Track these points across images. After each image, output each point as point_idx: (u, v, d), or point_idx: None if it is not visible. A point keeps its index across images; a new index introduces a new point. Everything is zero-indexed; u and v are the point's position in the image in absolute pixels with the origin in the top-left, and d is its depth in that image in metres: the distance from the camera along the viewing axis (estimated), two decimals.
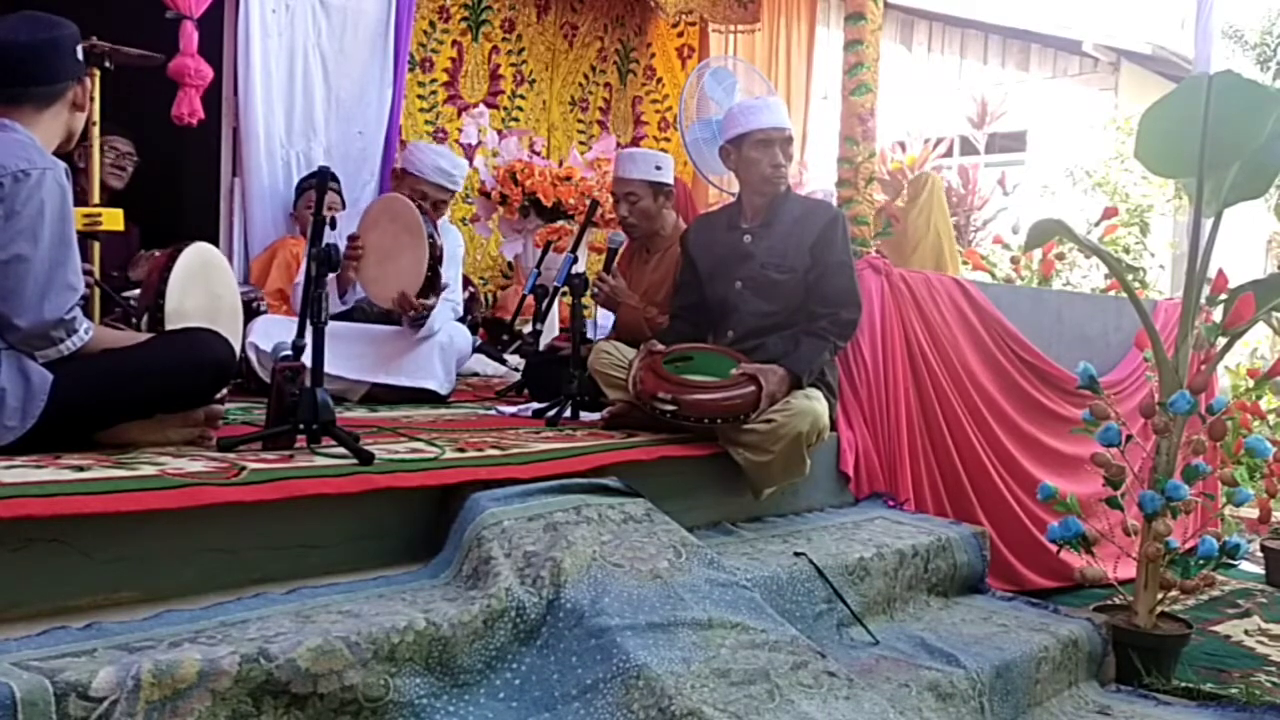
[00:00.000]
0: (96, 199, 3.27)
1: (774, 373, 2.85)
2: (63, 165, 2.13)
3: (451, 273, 3.84)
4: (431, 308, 3.46)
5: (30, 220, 2.02)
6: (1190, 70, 5.09)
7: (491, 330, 5.14)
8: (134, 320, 2.39)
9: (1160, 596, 3.02)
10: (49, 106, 2.17)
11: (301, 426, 2.32)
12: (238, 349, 2.46)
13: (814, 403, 2.85)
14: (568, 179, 5.10)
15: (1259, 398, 4.66)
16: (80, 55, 2.21)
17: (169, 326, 2.30)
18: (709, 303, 3.24)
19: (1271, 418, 4.73)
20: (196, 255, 2.44)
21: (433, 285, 3.35)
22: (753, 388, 2.81)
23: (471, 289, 5.30)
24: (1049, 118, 10.03)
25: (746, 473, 2.88)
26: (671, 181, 3.76)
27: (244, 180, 4.40)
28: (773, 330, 3.07)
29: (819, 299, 3.05)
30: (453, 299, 3.81)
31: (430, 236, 3.28)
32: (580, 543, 2.10)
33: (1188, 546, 3.19)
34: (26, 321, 2.04)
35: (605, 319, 4.00)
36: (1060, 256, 5.83)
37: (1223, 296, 3.15)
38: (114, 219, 2.98)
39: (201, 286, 2.36)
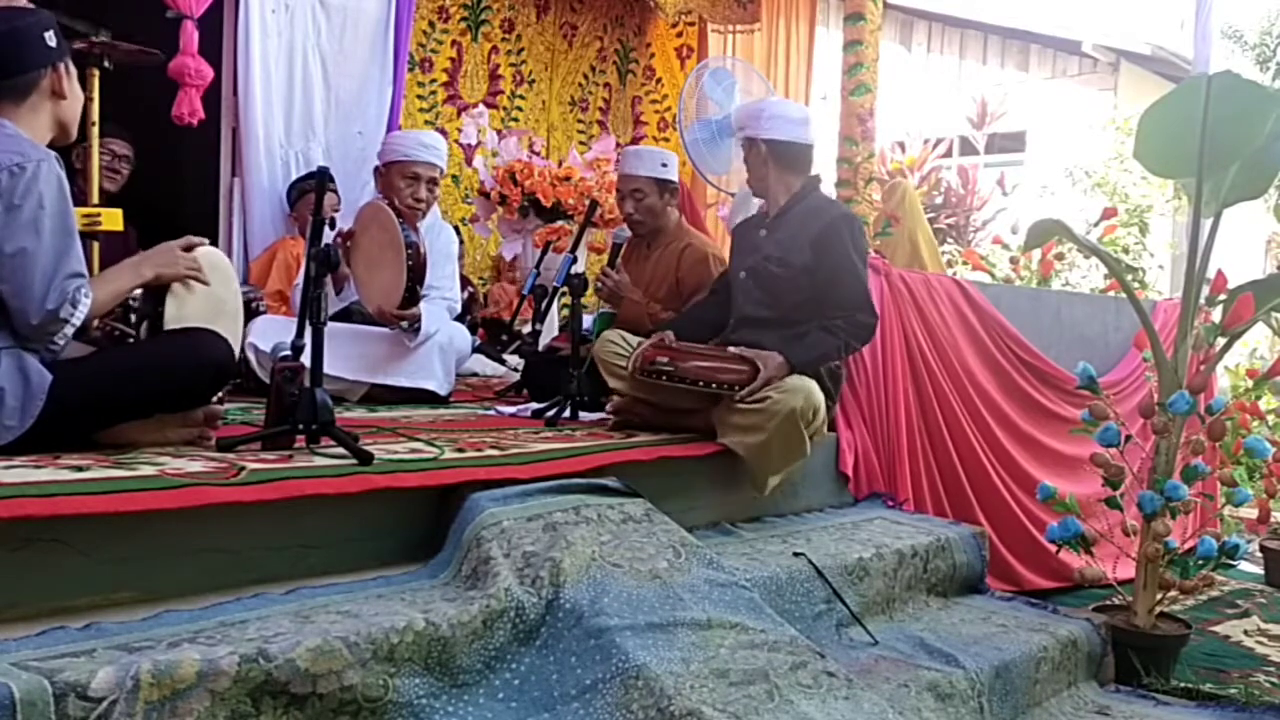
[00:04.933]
0: (95, 199, 3.27)
1: (772, 358, 2.86)
2: (55, 155, 2.12)
3: (448, 270, 3.82)
4: (414, 318, 3.45)
5: (31, 214, 2.02)
6: (1190, 71, 5.09)
7: (491, 330, 5.14)
8: (132, 320, 2.38)
9: (1159, 597, 3.02)
10: (26, 99, 2.14)
11: (301, 427, 2.32)
12: (238, 350, 2.45)
13: (806, 381, 2.84)
14: (567, 179, 5.10)
15: (1258, 398, 4.66)
16: (52, 41, 2.17)
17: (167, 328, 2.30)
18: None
19: (1271, 418, 4.74)
20: (202, 259, 2.43)
21: (411, 302, 3.35)
22: (748, 367, 2.84)
23: (471, 289, 5.30)
24: (1048, 118, 10.04)
25: (747, 461, 2.85)
26: (676, 179, 3.78)
27: (243, 180, 4.40)
28: (764, 325, 3.06)
29: (834, 303, 3.01)
30: (450, 298, 3.80)
31: (410, 258, 3.22)
32: (579, 543, 2.10)
33: (1187, 547, 3.19)
34: (37, 317, 2.04)
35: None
36: (1059, 257, 5.83)
37: (1222, 297, 3.15)
38: (113, 219, 2.98)
39: (202, 290, 2.35)
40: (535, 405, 3.36)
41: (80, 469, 1.95)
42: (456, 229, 4.87)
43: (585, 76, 6.40)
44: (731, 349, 2.96)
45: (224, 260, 2.50)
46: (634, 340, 3.12)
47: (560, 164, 5.34)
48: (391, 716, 1.71)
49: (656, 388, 2.96)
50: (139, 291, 2.32)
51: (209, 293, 2.36)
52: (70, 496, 1.72)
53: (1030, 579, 3.71)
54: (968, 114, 9.20)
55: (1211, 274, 3.18)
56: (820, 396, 2.86)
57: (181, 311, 2.31)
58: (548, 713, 1.85)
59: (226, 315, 2.43)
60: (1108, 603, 3.29)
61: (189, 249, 2.34)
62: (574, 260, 3.72)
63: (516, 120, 5.98)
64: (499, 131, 5.48)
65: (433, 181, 3.69)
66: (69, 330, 2.10)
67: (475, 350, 4.32)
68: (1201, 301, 3.14)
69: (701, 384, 2.84)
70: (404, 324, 3.47)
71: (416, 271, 3.26)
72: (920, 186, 7.32)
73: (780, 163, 3.15)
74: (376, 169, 3.74)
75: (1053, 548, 3.19)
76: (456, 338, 3.75)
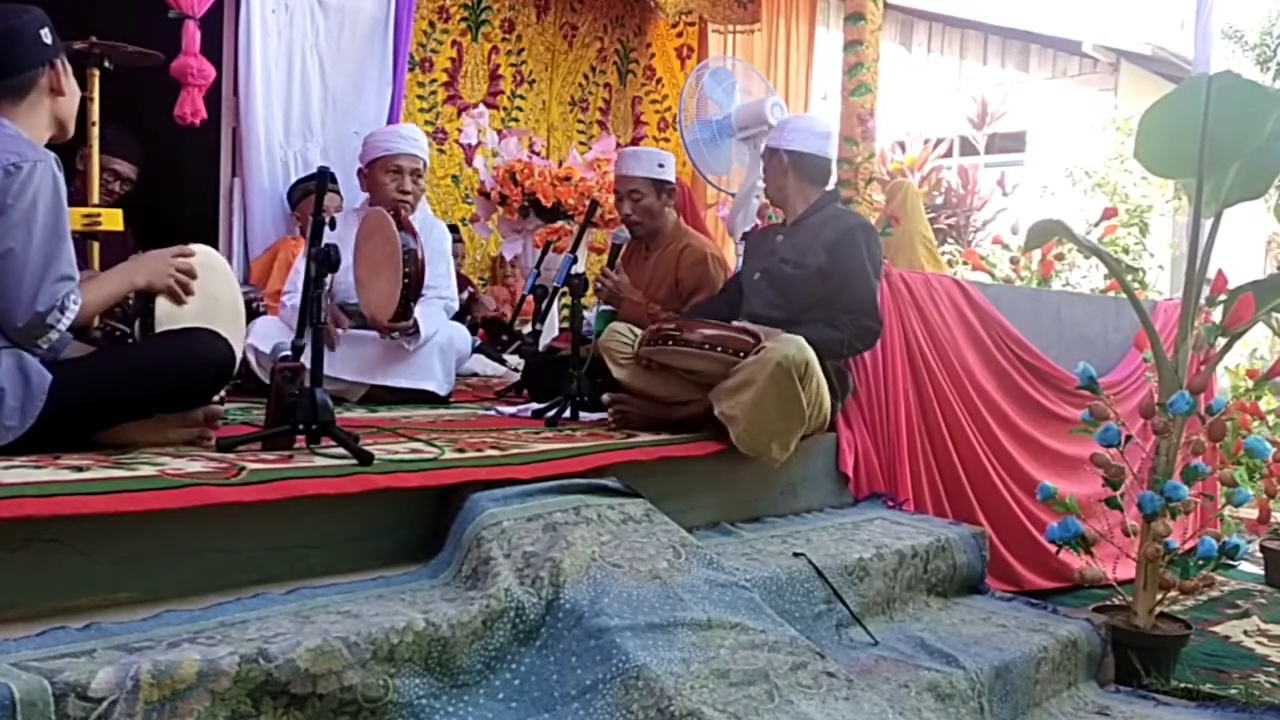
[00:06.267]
0: (96, 199, 3.27)
1: (776, 332, 2.91)
2: (54, 156, 2.12)
3: (442, 268, 3.80)
4: (405, 329, 3.44)
5: (23, 214, 2.01)
6: (1190, 71, 5.09)
7: (491, 330, 5.14)
8: (125, 314, 2.38)
9: (1159, 597, 3.01)
10: (24, 97, 2.14)
11: (301, 427, 2.32)
12: (240, 349, 2.45)
13: (797, 336, 2.84)
14: (567, 179, 5.10)
15: (1258, 398, 4.66)
16: (48, 39, 2.17)
17: (160, 330, 2.28)
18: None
19: (1271, 418, 4.73)
20: (199, 257, 2.42)
21: (404, 316, 3.34)
22: (753, 339, 2.87)
23: (471, 289, 5.30)
24: (1049, 118, 10.03)
25: (745, 428, 2.80)
26: (674, 179, 3.78)
27: (244, 180, 4.39)
28: (773, 325, 3.09)
29: (841, 305, 3.09)
30: (446, 296, 3.78)
31: (406, 276, 3.18)
32: (579, 543, 2.10)
33: (1187, 547, 3.18)
34: (23, 319, 2.03)
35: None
36: (1060, 257, 5.83)
37: (1222, 297, 3.15)
38: (113, 219, 2.98)
39: (196, 290, 2.34)
40: (535, 405, 3.36)
41: (80, 469, 1.94)
42: (454, 228, 4.87)
43: (585, 77, 6.40)
44: (735, 323, 3.00)
45: (220, 260, 2.49)
46: (640, 333, 3.15)
47: (560, 164, 5.34)
48: (391, 717, 1.70)
49: (657, 376, 3.01)
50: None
51: (202, 292, 2.35)
52: (70, 496, 1.72)
53: (1030, 579, 3.71)
54: (968, 114, 9.20)
55: (1212, 274, 3.18)
56: (811, 352, 2.83)
57: (174, 311, 2.31)
58: (548, 713, 1.85)
59: (225, 314, 2.42)
60: (1108, 603, 3.29)
61: (181, 258, 2.33)
62: (574, 260, 3.72)
63: (517, 120, 5.98)
64: (499, 131, 5.48)
65: (416, 173, 3.65)
66: (54, 336, 2.08)
67: (475, 350, 4.32)
68: (1202, 302, 3.14)
69: (708, 347, 2.85)
70: (394, 335, 3.46)
71: (411, 287, 3.23)
72: (920, 187, 7.33)
73: (800, 174, 3.26)
74: (360, 171, 3.73)
75: (1053, 548, 3.19)
76: (456, 338, 3.74)
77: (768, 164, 3.33)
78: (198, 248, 2.39)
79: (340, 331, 3.50)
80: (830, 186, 3.36)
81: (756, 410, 2.79)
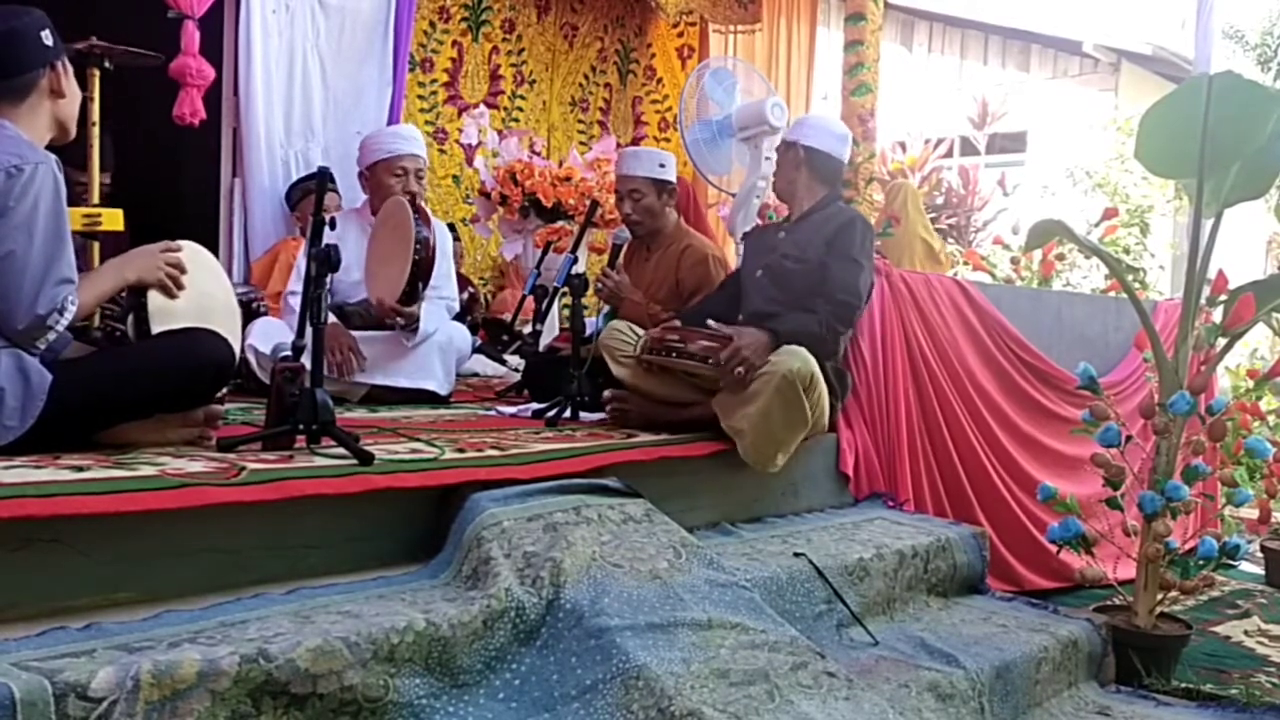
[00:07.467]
0: (96, 199, 3.27)
1: (749, 331, 2.93)
2: (54, 158, 2.11)
3: (444, 269, 3.80)
4: (410, 317, 3.45)
5: (25, 217, 2.01)
6: (1190, 71, 5.10)
7: (491, 331, 5.14)
8: (119, 309, 2.37)
9: (1160, 597, 3.01)
10: (25, 99, 2.14)
11: (301, 427, 2.32)
12: (237, 348, 2.45)
13: (799, 348, 2.87)
14: (568, 179, 5.10)
15: (1259, 398, 4.65)
16: (49, 40, 2.16)
17: (154, 324, 2.28)
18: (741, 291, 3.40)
19: (1271, 418, 4.73)
20: (186, 253, 2.42)
21: (411, 298, 3.34)
22: (718, 344, 2.89)
23: (471, 289, 5.30)
24: (1049, 118, 10.03)
25: (751, 439, 2.83)
26: (674, 179, 3.78)
27: (244, 180, 4.39)
28: (772, 319, 3.09)
29: (820, 285, 3.11)
30: (447, 296, 3.79)
31: (418, 253, 3.19)
32: (580, 543, 2.10)
33: (1187, 547, 3.18)
34: (23, 321, 2.03)
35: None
36: (1060, 257, 5.83)
37: (1223, 297, 3.14)
38: (113, 219, 2.98)
39: (187, 284, 2.34)
40: (536, 405, 3.36)
41: (80, 469, 1.94)
42: (452, 227, 4.87)
43: (586, 77, 6.40)
44: (712, 323, 3.00)
45: (207, 255, 2.48)
46: (640, 331, 3.15)
47: (561, 164, 5.33)
48: (392, 717, 1.70)
49: (658, 376, 3.02)
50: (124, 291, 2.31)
51: (195, 287, 2.35)
52: (70, 496, 1.72)
53: (1031, 579, 3.70)
54: (968, 114, 9.19)
55: (1212, 274, 3.18)
56: (815, 364, 2.87)
57: (167, 305, 2.30)
58: (548, 713, 1.85)
59: (219, 311, 2.41)
60: (1108, 603, 3.29)
61: (168, 253, 2.33)
62: (575, 260, 3.72)
63: (517, 120, 5.98)
64: (500, 132, 5.48)
65: (419, 172, 3.68)
66: (51, 336, 2.09)
67: (476, 350, 4.32)
68: (1202, 302, 3.14)
69: (711, 360, 2.87)
70: (400, 321, 3.46)
71: (422, 269, 3.24)
72: (921, 187, 7.32)
73: (813, 170, 3.29)
74: (361, 174, 3.73)
75: (1053, 548, 3.19)
76: (456, 338, 3.74)
77: (782, 157, 3.37)
78: (184, 244, 2.38)
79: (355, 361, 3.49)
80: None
81: (764, 422, 2.82)
